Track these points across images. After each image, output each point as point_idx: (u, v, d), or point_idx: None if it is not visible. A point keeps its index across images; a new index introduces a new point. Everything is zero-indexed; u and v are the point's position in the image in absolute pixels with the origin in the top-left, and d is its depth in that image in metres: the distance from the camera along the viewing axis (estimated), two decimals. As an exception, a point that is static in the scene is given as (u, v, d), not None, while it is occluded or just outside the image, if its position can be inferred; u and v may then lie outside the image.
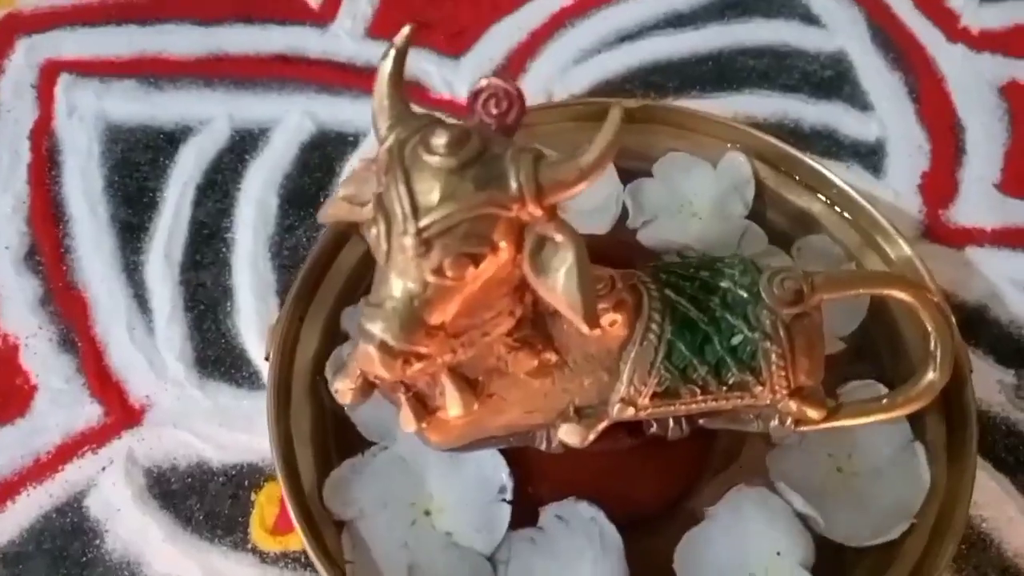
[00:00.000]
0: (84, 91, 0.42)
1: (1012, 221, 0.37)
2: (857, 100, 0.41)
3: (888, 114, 0.40)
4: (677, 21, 0.44)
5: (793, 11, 0.44)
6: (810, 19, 0.44)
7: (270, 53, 0.44)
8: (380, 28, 0.44)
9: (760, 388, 0.22)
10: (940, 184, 0.38)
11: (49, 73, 0.43)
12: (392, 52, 0.20)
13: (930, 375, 0.24)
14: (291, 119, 0.41)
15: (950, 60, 0.42)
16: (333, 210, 0.21)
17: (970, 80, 0.42)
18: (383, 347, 0.18)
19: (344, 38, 0.44)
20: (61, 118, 0.41)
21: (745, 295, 0.22)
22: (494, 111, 0.20)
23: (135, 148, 0.40)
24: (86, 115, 0.41)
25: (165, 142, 0.40)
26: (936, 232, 0.37)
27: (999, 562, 0.29)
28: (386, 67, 0.20)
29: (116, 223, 0.38)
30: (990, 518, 0.30)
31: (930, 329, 0.24)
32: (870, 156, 0.39)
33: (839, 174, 0.34)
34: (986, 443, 0.31)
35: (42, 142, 0.41)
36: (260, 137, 0.40)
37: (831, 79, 0.42)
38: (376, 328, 0.19)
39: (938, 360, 0.24)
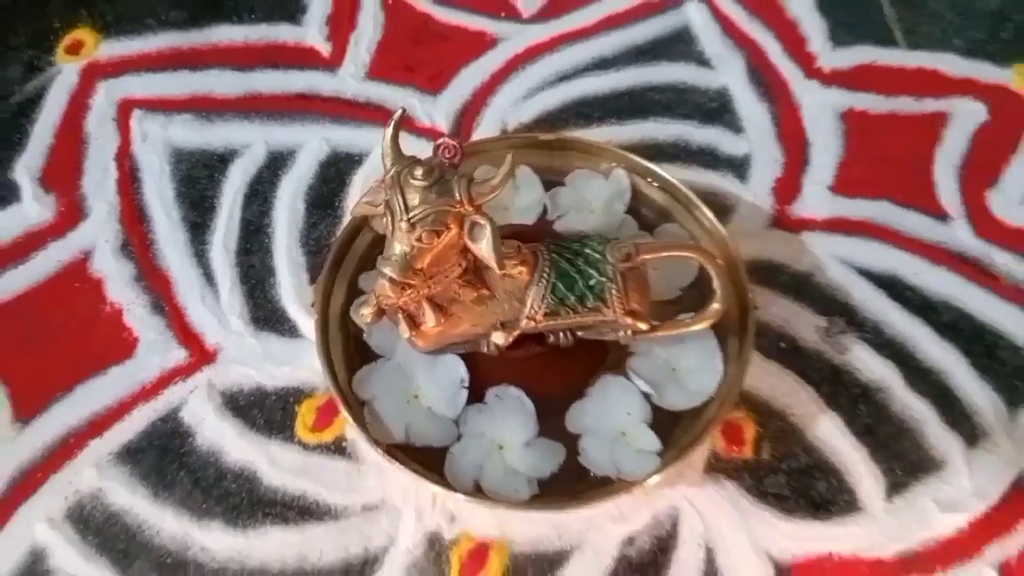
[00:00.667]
0: (152, 123, 0.56)
1: (838, 213, 0.51)
2: (733, 125, 0.55)
3: (755, 136, 0.54)
4: (602, 64, 0.58)
5: (690, 56, 0.58)
6: (703, 62, 0.58)
7: (293, 92, 0.57)
8: (376, 71, 0.58)
9: (607, 310, 0.37)
10: (788, 187, 0.52)
11: (125, 109, 0.56)
12: (392, 123, 0.34)
13: (714, 305, 0.38)
14: (311, 143, 0.54)
15: (806, 92, 0.56)
16: (359, 210, 0.36)
17: (818, 108, 0.56)
18: (391, 280, 0.33)
19: (349, 80, 0.57)
20: (137, 144, 0.55)
21: (599, 256, 0.37)
22: (447, 156, 0.34)
23: (195, 167, 0.54)
24: (156, 142, 0.55)
25: (217, 162, 0.54)
26: (781, 222, 0.50)
27: (804, 443, 0.43)
28: (388, 131, 0.34)
29: (186, 222, 0.51)
30: (797, 414, 0.44)
31: (713, 277, 0.38)
32: (739, 167, 0.53)
33: (701, 180, 0.49)
34: (800, 365, 0.45)
35: (125, 162, 0.54)
36: (288, 157, 0.54)
37: (715, 109, 0.55)
38: (387, 269, 0.34)
39: (718, 296, 0.39)
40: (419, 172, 0.32)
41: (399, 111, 0.34)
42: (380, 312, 0.37)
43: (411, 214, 0.32)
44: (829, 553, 0.40)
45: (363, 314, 0.37)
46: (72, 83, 0.57)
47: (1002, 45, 0.58)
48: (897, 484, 0.42)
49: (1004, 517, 0.41)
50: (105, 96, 0.57)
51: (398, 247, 0.33)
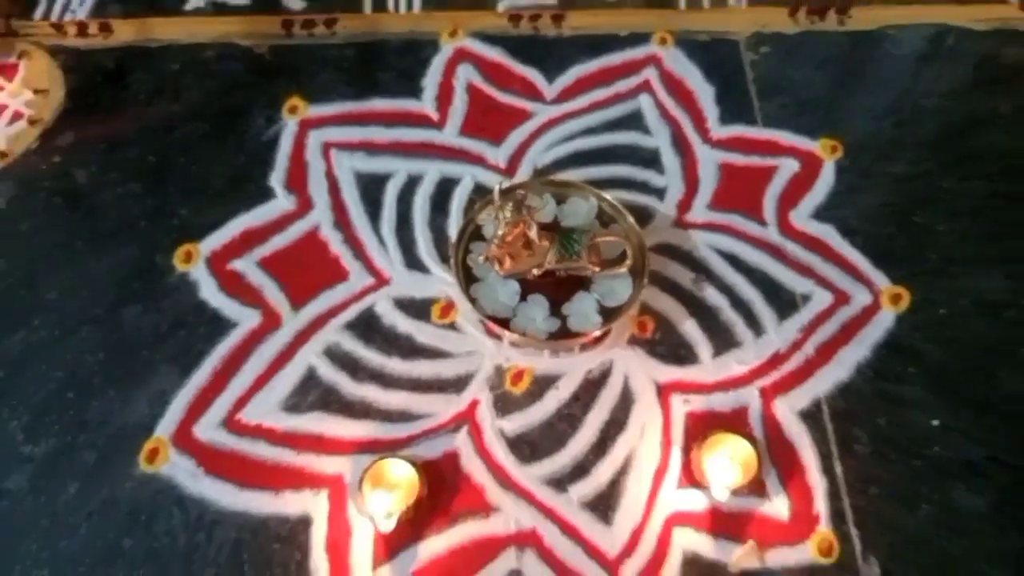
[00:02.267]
0: (342, 156, 1.01)
1: (710, 220, 0.96)
2: (659, 169, 1.00)
3: (671, 176, 0.99)
4: (588, 132, 1.02)
5: (639, 128, 1.03)
6: (646, 131, 1.03)
7: (418, 140, 1.02)
8: (465, 130, 1.03)
9: (583, 261, 0.82)
10: (685, 204, 0.97)
11: (326, 148, 1.02)
12: (497, 189, 0.80)
13: (627, 261, 0.84)
14: (431, 171, 0.99)
15: (702, 152, 1.02)
16: (481, 215, 0.82)
17: (708, 161, 1.01)
18: (496, 245, 0.79)
19: (449, 135, 1.03)
20: (335, 167, 1.00)
21: (579, 238, 0.82)
22: (520, 198, 0.80)
23: (368, 182, 0.99)
24: (345, 167, 1.00)
25: (379, 180, 0.99)
26: (680, 223, 0.96)
27: (674, 331, 0.89)
28: (496, 192, 0.80)
29: (367, 212, 0.97)
30: (673, 318, 0.90)
31: (627, 248, 0.85)
32: (660, 193, 0.98)
33: (638, 201, 0.94)
34: (678, 294, 0.91)
35: (330, 177, 1.00)
36: (418, 179, 0.99)
37: (650, 160, 1.01)
38: (495, 241, 0.79)
39: (628, 256, 0.84)
40: (509, 203, 0.78)
41: (501, 182, 0.80)
42: (487, 258, 0.83)
43: (505, 219, 0.78)
44: (680, 380, 0.86)
45: (479, 259, 0.83)
46: (294, 131, 1.03)
47: (816, 126, 1.03)
48: (719, 349, 0.88)
49: (767, 367, 0.87)
50: (314, 139, 1.03)
51: (499, 231, 0.79)
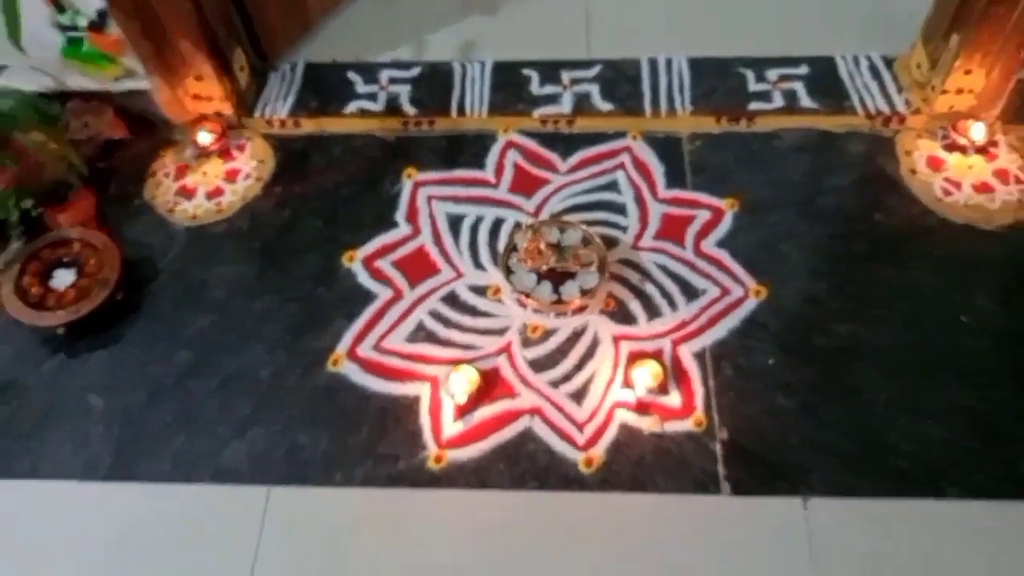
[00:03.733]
0: (438, 204, 1.71)
1: (652, 245, 1.63)
2: (625, 215, 1.67)
3: (631, 219, 1.66)
4: (585, 192, 1.71)
5: (615, 190, 1.71)
6: (619, 192, 1.71)
7: (479, 196, 1.73)
8: (512, 189, 1.73)
9: (573, 261, 1.50)
10: (639, 236, 1.64)
11: (429, 199, 1.73)
12: (524, 224, 1.49)
13: (596, 265, 1.52)
14: (489, 215, 1.69)
15: (653, 205, 1.69)
16: (517, 236, 1.52)
17: (656, 212, 1.68)
18: (524, 251, 1.49)
19: (503, 190, 1.72)
20: (434, 210, 1.71)
21: (571, 249, 1.50)
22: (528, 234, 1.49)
23: (453, 220, 1.69)
24: (440, 211, 1.70)
25: (459, 219, 1.69)
26: (634, 247, 1.63)
27: (628, 311, 1.56)
28: (524, 225, 1.49)
29: (460, 240, 1.67)
30: (626, 296, 1.57)
31: (594, 260, 1.52)
32: (624, 230, 1.65)
33: (610, 234, 1.62)
34: (627, 280, 1.58)
35: (433, 216, 1.70)
36: (481, 219, 1.68)
37: (620, 209, 1.68)
38: (523, 250, 1.49)
39: (596, 262, 1.52)
40: (531, 230, 1.46)
41: (527, 220, 1.48)
42: (519, 260, 1.51)
43: (528, 238, 1.46)
44: (626, 333, 1.52)
45: (516, 261, 1.52)
46: (410, 188, 1.74)
47: (724, 190, 1.70)
48: (650, 317, 1.54)
49: (676, 328, 1.52)
50: (421, 193, 1.74)
51: (525, 245, 1.48)
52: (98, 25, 1.63)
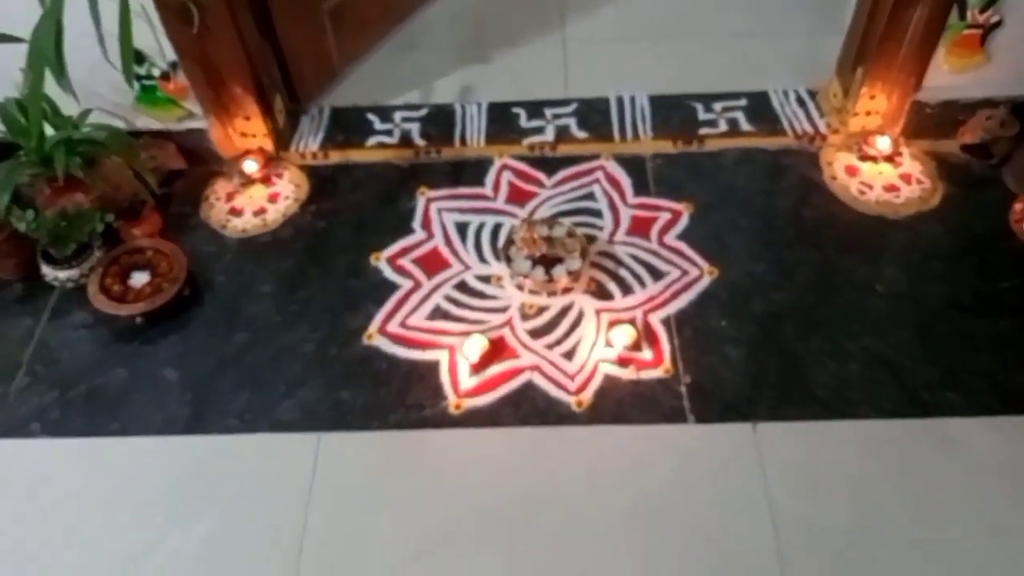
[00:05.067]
0: (447, 215, 2.08)
1: (624, 240, 2.00)
2: (601, 218, 2.04)
3: (607, 221, 2.04)
4: (568, 201, 2.09)
5: (594, 199, 2.09)
6: (596, 200, 2.09)
7: (484, 206, 2.09)
8: (508, 200, 2.10)
9: (560, 248, 1.86)
10: (612, 233, 2.01)
11: (440, 211, 2.09)
12: (521, 220, 1.86)
13: (579, 253, 1.88)
14: (489, 221, 2.06)
15: (623, 209, 2.06)
16: (516, 234, 1.88)
17: (625, 215, 2.05)
18: (521, 240, 1.85)
19: (501, 201, 2.09)
20: (444, 218, 2.07)
21: (559, 240, 1.86)
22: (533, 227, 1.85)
23: (461, 227, 2.06)
24: (449, 220, 2.07)
25: (465, 224, 2.06)
26: (610, 242, 2.00)
27: (607, 291, 1.91)
28: (523, 214, 1.85)
29: (459, 240, 2.03)
30: (598, 277, 1.92)
31: (577, 247, 1.89)
32: (601, 229, 2.02)
33: (591, 232, 1.99)
34: (610, 273, 1.94)
35: (444, 223, 2.06)
36: (484, 225, 2.05)
37: (598, 212, 2.05)
38: (520, 239, 1.85)
39: (579, 250, 1.88)
40: (526, 225, 1.82)
41: (525, 215, 1.84)
42: (518, 247, 1.87)
43: (524, 230, 1.81)
44: (606, 307, 1.87)
45: (514, 251, 1.87)
46: (423, 203, 2.11)
47: (681, 196, 2.08)
48: (624, 294, 1.89)
49: (646, 302, 1.88)
50: (433, 207, 2.10)
51: (522, 235, 1.83)
52: (167, 74, 2.01)
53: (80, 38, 1.62)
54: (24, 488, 1.64)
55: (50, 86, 1.71)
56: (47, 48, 1.53)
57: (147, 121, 2.12)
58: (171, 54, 1.95)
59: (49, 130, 1.87)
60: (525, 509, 1.56)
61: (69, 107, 1.86)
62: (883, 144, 2.11)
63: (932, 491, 1.55)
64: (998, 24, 1.92)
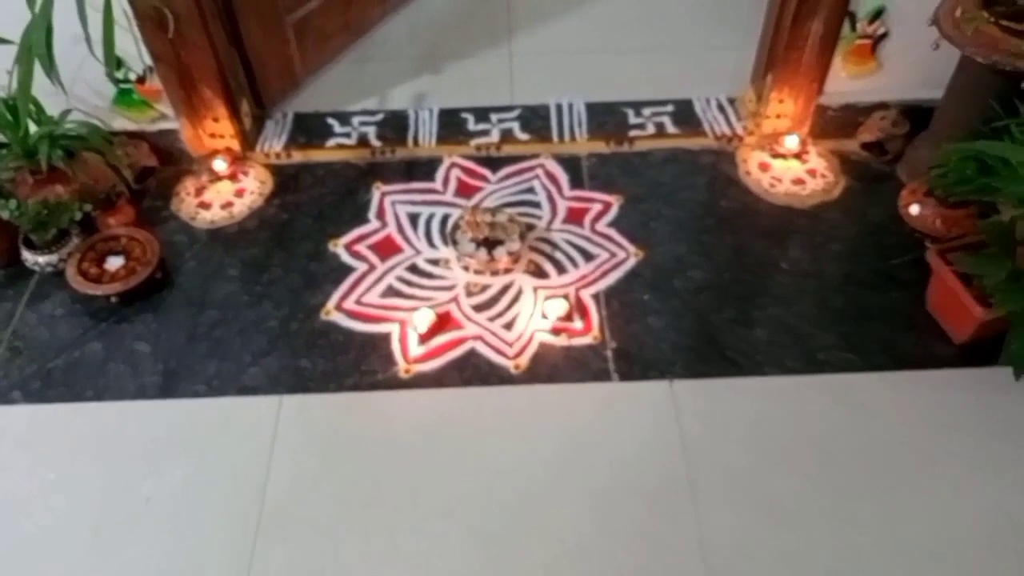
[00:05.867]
0: (400, 206, 2.28)
1: (561, 227, 2.22)
2: (540, 208, 2.26)
3: (545, 211, 2.25)
4: (511, 195, 2.31)
5: (534, 192, 2.31)
6: (535, 194, 2.31)
7: (434, 199, 2.30)
8: (456, 195, 2.31)
9: (502, 232, 2.07)
10: (550, 222, 2.23)
11: (394, 203, 2.29)
12: (467, 207, 2.07)
13: (516, 235, 2.09)
14: (439, 212, 2.26)
15: (560, 201, 2.29)
16: (464, 220, 2.09)
17: (562, 207, 2.28)
18: (466, 224, 2.06)
19: (449, 193, 2.30)
20: (397, 211, 2.27)
21: (502, 226, 2.07)
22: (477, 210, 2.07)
23: (413, 216, 2.26)
24: (402, 210, 2.27)
25: (416, 215, 2.26)
26: (548, 229, 2.21)
27: (543, 270, 2.13)
28: (470, 204, 2.06)
29: (411, 225, 2.23)
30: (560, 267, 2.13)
31: (518, 231, 2.10)
32: (540, 218, 2.24)
33: (533, 222, 2.20)
34: (547, 256, 2.15)
35: (397, 211, 2.26)
36: (433, 215, 2.26)
37: (537, 204, 2.27)
38: (465, 223, 2.05)
39: (518, 233, 2.09)
40: (471, 210, 2.02)
41: (471, 204, 2.05)
42: (463, 230, 2.07)
43: (469, 215, 2.02)
44: (543, 284, 2.08)
45: (460, 234, 2.08)
46: (378, 197, 2.31)
47: (613, 189, 2.31)
48: (559, 273, 2.11)
49: (578, 280, 2.09)
50: (388, 200, 2.30)
51: (467, 219, 2.04)
52: (142, 78, 2.20)
53: (63, 47, 1.82)
54: (10, 446, 1.79)
55: (34, 88, 1.89)
56: (38, 43, 1.71)
57: (123, 122, 2.30)
58: (147, 59, 2.14)
59: (33, 127, 2.04)
60: (469, 455, 1.75)
61: (51, 108, 2.04)
62: (791, 143, 2.37)
63: (827, 434, 1.77)
64: (885, 35, 2.19)
